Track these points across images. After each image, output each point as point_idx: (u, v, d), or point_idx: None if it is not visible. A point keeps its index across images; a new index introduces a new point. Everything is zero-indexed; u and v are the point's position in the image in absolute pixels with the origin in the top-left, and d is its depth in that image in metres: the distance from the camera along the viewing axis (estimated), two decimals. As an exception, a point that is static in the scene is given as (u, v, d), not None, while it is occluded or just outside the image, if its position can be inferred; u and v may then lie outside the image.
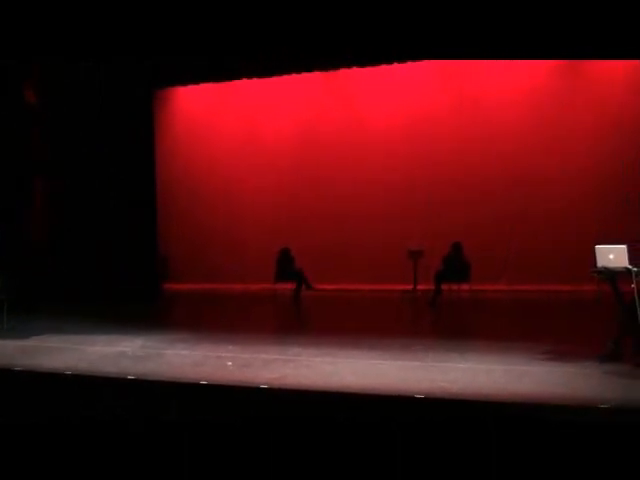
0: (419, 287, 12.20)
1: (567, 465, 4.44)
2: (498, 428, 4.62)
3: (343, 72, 13.16)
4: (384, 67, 12.63)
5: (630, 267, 6.15)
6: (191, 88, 14.31)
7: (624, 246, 6.31)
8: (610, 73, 11.70)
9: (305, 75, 13.32)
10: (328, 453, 4.93)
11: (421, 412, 4.96)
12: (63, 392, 5.91)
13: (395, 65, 12.45)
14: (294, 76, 13.33)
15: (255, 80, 13.60)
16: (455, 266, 10.91)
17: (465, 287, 10.90)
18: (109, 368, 6.38)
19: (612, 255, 6.26)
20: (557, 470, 4.46)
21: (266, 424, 5.10)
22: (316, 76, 13.45)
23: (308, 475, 4.98)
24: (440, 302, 10.74)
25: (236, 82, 13.77)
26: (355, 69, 12.86)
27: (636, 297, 6.15)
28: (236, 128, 14.21)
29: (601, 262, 6.35)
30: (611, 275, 6.38)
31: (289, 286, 11.95)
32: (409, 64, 12.35)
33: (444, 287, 10.97)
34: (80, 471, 5.56)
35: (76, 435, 5.57)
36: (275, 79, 13.48)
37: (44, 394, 5.99)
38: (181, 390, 5.65)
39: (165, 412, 5.48)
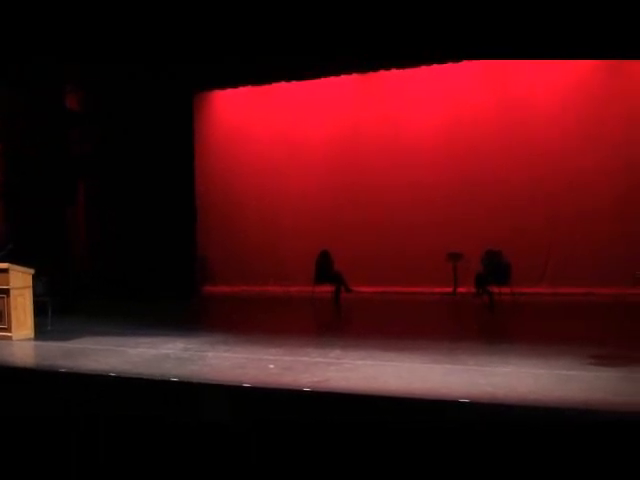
0: (459, 290, 12.12)
1: (616, 471, 4.36)
2: (545, 433, 4.56)
3: (381, 75, 13.14)
4: (422, 69, 12.58)
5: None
6: (229, 92, 14.43)
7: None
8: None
9: (343, 78, 13.35)
10: (372, 457, 4.91)
11: (466, 416, 4.90)
12: (109, 394, 5.97)
13: (434, 67, 12.42)
14: (332, 79, 13.36)
15: (293, 84, 13.67)
16: (495, 269, 10.79)
17: (506, 290, 10.77)
18: (153, 370, 6.42)
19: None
20: (603, 475, 4.39)
21: (310, 427, 5.10)
22: (354, 79, 13.46)
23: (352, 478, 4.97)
24: (481, 305, 10.64)
25: (274, 86, 13.84)
26: (394, 72, 12.83)
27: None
28: (274, 131, 14.25)
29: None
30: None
31: (328, 289, 11.94)
32: (448, 66, 12.31)
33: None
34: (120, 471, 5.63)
35: (122, 435, 5.63)
36: (313, 82, 13.51)
37: (89, 395, 6.06)
38: (225, 392, 5.66)
39: (209, 414, 5.51)
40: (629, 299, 10.64)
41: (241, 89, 14.15)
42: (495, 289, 10.77)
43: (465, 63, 12.06)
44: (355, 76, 13.33)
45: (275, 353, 7.18)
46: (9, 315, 8.61)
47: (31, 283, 8.86)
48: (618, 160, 11.66)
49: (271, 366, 6.55)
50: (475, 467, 4.68)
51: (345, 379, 5.90)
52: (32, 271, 8.85)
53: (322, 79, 13.35)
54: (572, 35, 7.73)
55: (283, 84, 13.71)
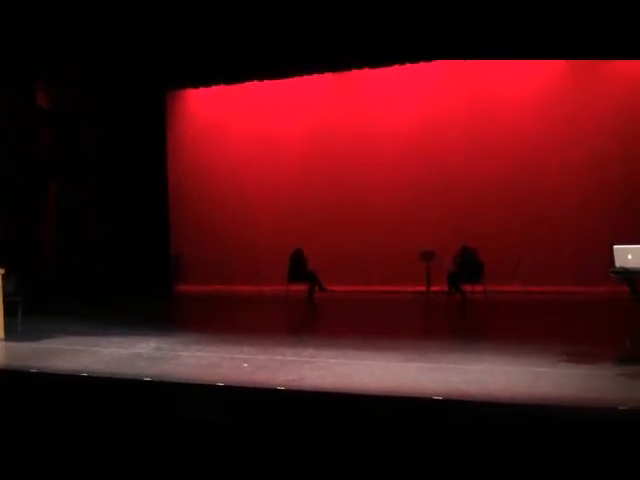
0: (432, 288, 12.17)
1: (584, 468, 4.41)
2: (515, 430, 4.59)
3: (355, 74, 13.13)
4: (396, 68, 12.60)
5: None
6: (203, 90, 14.33)
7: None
8: (625, 71, 11.62)
9: (317, 76, 13.32)
10: (345, 456, 4.92)
11: (439, 414, 4.92)
12: (80, 394, 5.91)
13: (407, 66, 12.44)
14: (306, 77, 13.33)
15: (267, 82, 13.62)
16: (468, 267, 10.86)
17: (479, 288, 10.84)
18: (125, 370, 6.37)
19: (631, 255, 6.23)
20: (573, 472, 4.43)
21: (284, 426, 5.09)
22: (328, 78, 13.44)
23: (326, 478, 4.97)
24: (454, 303, 10.69)
25: (248, 84, 13.78)
26: (367, 70, 12.84)
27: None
28: (248, 129, 14.19)
29: (619, 262, 6.31)
30: (630, 276, 6.34)
31: (302, 287, 11.92)
32: (421, 66, 12.33)
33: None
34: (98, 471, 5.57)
35: (95, 436, 5.58)
36: (287, 81, 13.48)
37: (61, 396, 5.99)
38: (198, 392, 5.63)
39: (182, 413, 5.47)
40: (601, 297, 10.75)
41: (215, 87, 14.07)
42: (468, 287, 10.84)
43: (439, 62, 12.10)
44: (329, 75, 13.31)
45: (249, 352, 7.16)
46: (-22, 316, 8.47)
47: (0, 283, 8.71)
48: (594, 160, 11.76)
49: (245, 365, 6.53)
50: (448, 464, 4.70)
51: (319, 377, 5.90)
52: (2, 270, 8.70)
53: (296, 78, 13.32)
54: (543, 35, 7.81)
55: (257, 83, 13.66)
